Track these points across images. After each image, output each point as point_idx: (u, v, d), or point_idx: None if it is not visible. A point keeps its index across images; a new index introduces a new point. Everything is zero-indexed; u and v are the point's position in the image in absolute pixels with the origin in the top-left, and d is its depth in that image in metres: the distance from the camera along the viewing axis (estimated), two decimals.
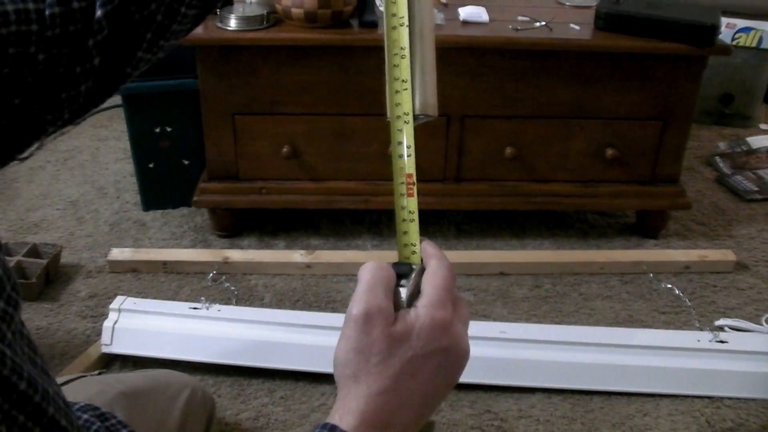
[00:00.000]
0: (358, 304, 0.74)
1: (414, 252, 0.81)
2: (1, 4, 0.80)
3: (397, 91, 0.87)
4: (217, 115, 2.54)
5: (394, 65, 0.87)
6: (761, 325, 2.35)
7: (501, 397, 2.08)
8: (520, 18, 2.62)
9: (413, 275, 0.79)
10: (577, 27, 2.56)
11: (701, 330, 2.29)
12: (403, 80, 0.86)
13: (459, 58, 2.48)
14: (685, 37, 2.44)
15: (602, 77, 2.53)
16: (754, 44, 3.65)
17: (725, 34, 3.62)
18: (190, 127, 2.75)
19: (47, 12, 0.83)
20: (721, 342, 2.14)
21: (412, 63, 0.88)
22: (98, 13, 0.87)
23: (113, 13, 0.88)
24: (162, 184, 2.87)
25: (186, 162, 2.84)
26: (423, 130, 2.64)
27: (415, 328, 0.75)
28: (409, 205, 0.84)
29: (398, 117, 0.86)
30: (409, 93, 0.87)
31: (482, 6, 2.63)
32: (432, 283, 0.78)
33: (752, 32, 3.64)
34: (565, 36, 2.50)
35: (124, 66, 0.92)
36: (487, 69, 2.50)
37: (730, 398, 2.09)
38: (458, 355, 0.79)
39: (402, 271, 0.79)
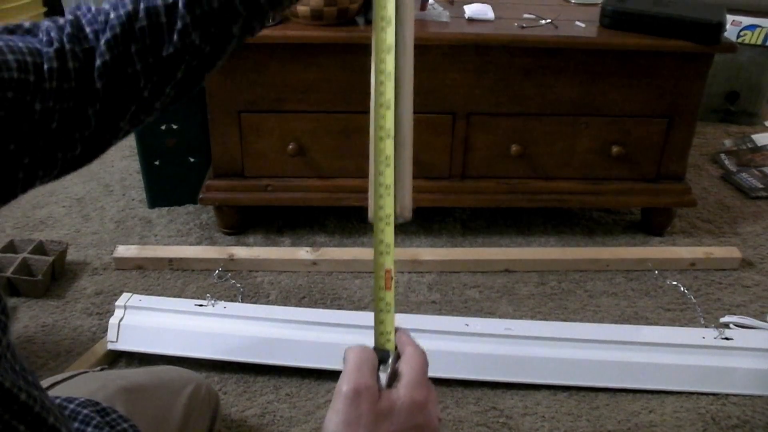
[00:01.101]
0: (347, 381, 0.82)
1: (389, 340, 0.91)
2: (2, 53, 0.85)
3: (381, 196, 0.97)
4: (223, 112, 2.54)
5: (380, 172, 0.98)
6: (766, 322, 2.35)
7: (506, 394, 2.08)
8: (525, 15, 2.63)
9: (390, 361, 0.88)
10: (582, 24, 2.57)
11: (706, 327, 2.29)
12: (386, 186, 0.97)
13: (465, 55, 2.48)
14: (691, 35, 2.44)
15: (608, 75, 2.53)
16: (759, 42, 3.65)
17: (730, 32, 3.62)
18: (196, 125, 2.75)
19: (45, 66, 0.89)
20: (727, 339, 2.14)
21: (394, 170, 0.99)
22: (98, 83, 0.93)
23: (108, 85, 0.94)
24: (168, 181, 2.88)
25: (192, 159, 2.84)
26: (429, 127, 2.64)
27: (397, 405, 0.84)
28: (386, 297, 0.93)
29: (380, 219, 0.97)
30: (391, 197, 0.97)
31: (488, 3, 2.63)
32: (410, 366, 0.87)
33: (757, 30, 3.64)
34: (571, 33, 2.50)
35: (106, 134, 0.98)
36: (492, 66, 2.50)
37: (735, 395, 2.09)
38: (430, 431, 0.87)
39: (380, 356, 0.88)
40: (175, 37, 0.98)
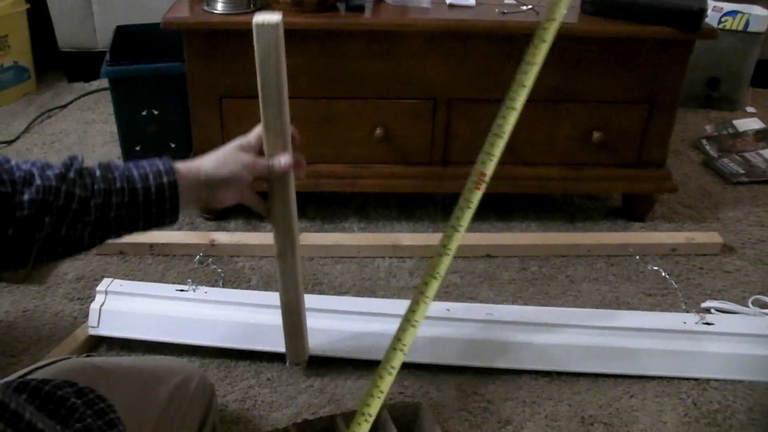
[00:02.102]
0: None
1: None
2: None
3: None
4: (203, 98, 2.54)
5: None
6: (747, 307, 2.36)
7: (488, 380, 2.08)
8: (506, 2, 2.63)
9: None
10: (563, 11, 2.56)
11: (687, 312, 2.29)
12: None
13: (446, 42, 2.48)
14: (672, 21, 2.44)
15: (589, 61, 2.54)
16: (740, 28, 3.66)
17: (712, 18, 3.63)
18: (177, 111, 2.75)
19: None
20: (708, 324, 2.15)
21: None
22: (10, 230, 1.12)
23: (16, 237, 1.14)
24: None
25: (173, 145, 2.84)
26: (410, 114, 2.63)
27: None
28: None
29: None
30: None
31: None
32: None
33: (739, 15, 3.64)
34: None
35: None
36: (473, 53, 2.50)
37: (716, 380, 2.09)
38: None
39: None
40: (78, 225, 1.21)
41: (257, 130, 1.55)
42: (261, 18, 1.44)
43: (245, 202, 1.58)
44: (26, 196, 1.12)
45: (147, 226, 1.34)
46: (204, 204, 1.47)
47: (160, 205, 1.32)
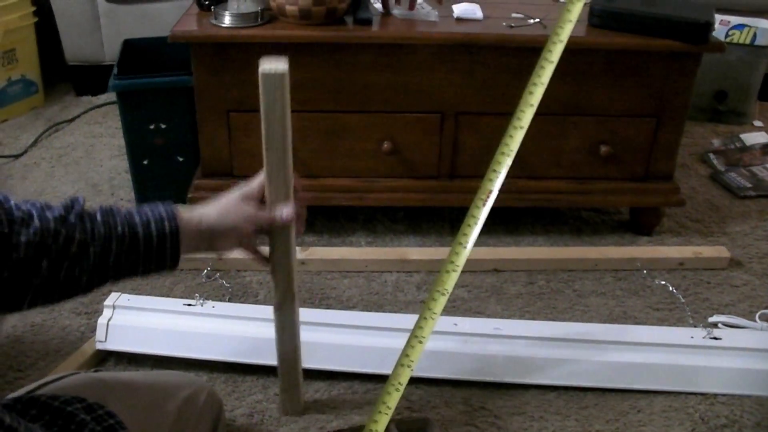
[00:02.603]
0: None
1: None
2: None
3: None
4: (211, 111, 2.54)
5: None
6: (755, 321, 2.35)
7: (495, 394, 2.08)
8: (514, 15, 2.62)
9: None
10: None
11: (695, 327, 2.29)
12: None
13: (453, 55, 2.48)
14: (680, 35, 2.44)
15: (596, 74, 2.54)
16: (747, 41, 3.66)
17: (719, 31, 3.63)
18: (185, 124, 2.75)
19: None
20: (715, 339, 2.14)
21: None
22: (5, 272, 1.11)
23: (11, 280, 1.13)
24: (156, 181, 2.87)
25: (180, 159, 2.84)
26: (418, 127, 2.63)
27: None
28: None
29: None
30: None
31: (476, 3, 2.63)
32: None
33: (746, 29, 3.64)
34: None
35: None
36: (481, 66, 2.50)
37: (723, 395, 2.09)
38: None
39: None
40: (76, 269, 1.20)
41: (260, 179, 1.54)
42: (268, 67, 1.43)
43: (244, 250, 1.58)
44: (23, 238, 1.12)
45: (146, 272, 1.35)
46: (203, 251, 1.45)
47: (160, 252, 1.33)
